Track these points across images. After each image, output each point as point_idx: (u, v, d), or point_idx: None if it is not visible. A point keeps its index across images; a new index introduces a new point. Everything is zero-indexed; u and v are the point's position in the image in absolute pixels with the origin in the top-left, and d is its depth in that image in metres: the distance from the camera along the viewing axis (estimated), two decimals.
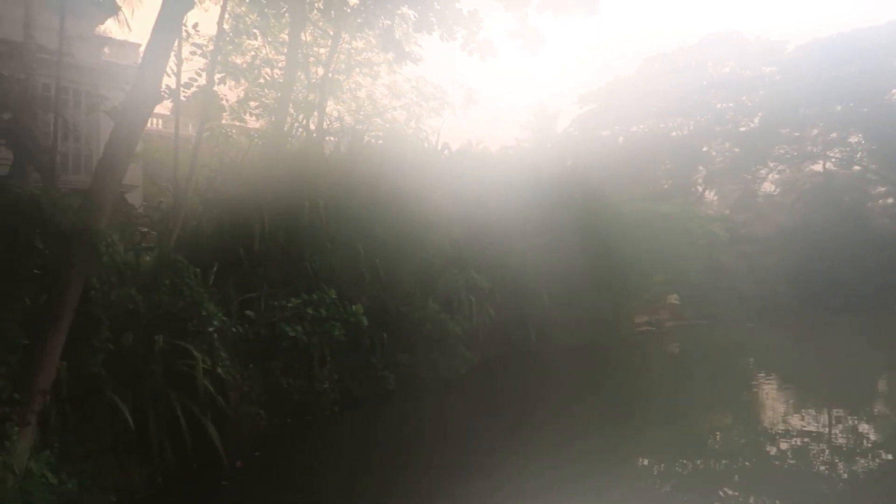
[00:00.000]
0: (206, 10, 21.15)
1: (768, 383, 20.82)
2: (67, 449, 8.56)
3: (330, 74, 23.96)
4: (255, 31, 22.98)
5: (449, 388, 18.11)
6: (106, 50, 23.44)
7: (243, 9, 22.18)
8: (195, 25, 18.91)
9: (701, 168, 53.50)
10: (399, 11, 20.09)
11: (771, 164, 51.71)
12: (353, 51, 26.06)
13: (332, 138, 22.67)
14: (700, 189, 54.11)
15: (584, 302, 25.77)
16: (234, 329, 12.70)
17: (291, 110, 21.39)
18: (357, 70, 26.90)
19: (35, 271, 9.13)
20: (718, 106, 51.51)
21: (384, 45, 20.50)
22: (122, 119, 9.03)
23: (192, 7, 9.99)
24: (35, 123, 14.13)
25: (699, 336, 32.07)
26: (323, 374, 14.96)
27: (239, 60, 23.44)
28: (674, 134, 53.54)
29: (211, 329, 11.30)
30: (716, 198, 57.75)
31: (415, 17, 17.34)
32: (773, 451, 13.18)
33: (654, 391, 19.69)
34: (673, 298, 36.12)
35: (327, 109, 25.03)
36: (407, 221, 18.90)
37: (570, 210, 25.88)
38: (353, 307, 15.59)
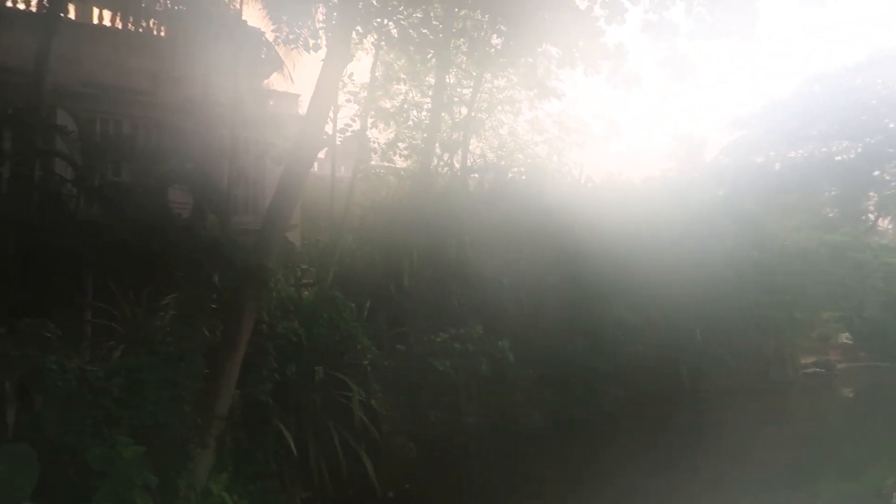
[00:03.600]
0: (359, 60, 22.56)
1: None
2: (239, 471, 9.22)
3: (473, 113, 24.53)
4: (402, 76, 24.14)
5: (594, 426, 17.54)
6: (270, 102, 25.56)
7: (392, 56, 23.41)
8: (350, 75, 20.22)
9: (872, 194, 48.68)
10: (541, 49, 20.21)
11: None
12: (495, 89, 26.51)
13: (475, 175, 23.14)
14: (872, 217, 49.17)
15: (742, 340, 24.12)
16: (385, 362, 13.15)
17: (437, 150, 22.14)
18: (499, 108, 27.31)
19: (212, 305, 10.01)
20: (891, 126, 46.88)
21: (526, 83, 20.73)
22: (290, 165, 9.80)
23: (351, 61, 10.72)
24: (212, 170, 15.66)
25: (877, 379, 28.83)
26: (469, 408, 15.09)
27: (388, 104, 24.69)
28: (839, 158, 49.25)
29: (365, 362, 11.79)
30: (891, 226, 52.21)
31: (558, 53, 17.37)
32: None
33: (828, 441, 17.92)
34: (845, 337, 32.88)
35: (471, 147, 25.64)
36: (551, 256, 18.77)
37: (724, 242, 24.50)
38: (500, 343, 15.64)
